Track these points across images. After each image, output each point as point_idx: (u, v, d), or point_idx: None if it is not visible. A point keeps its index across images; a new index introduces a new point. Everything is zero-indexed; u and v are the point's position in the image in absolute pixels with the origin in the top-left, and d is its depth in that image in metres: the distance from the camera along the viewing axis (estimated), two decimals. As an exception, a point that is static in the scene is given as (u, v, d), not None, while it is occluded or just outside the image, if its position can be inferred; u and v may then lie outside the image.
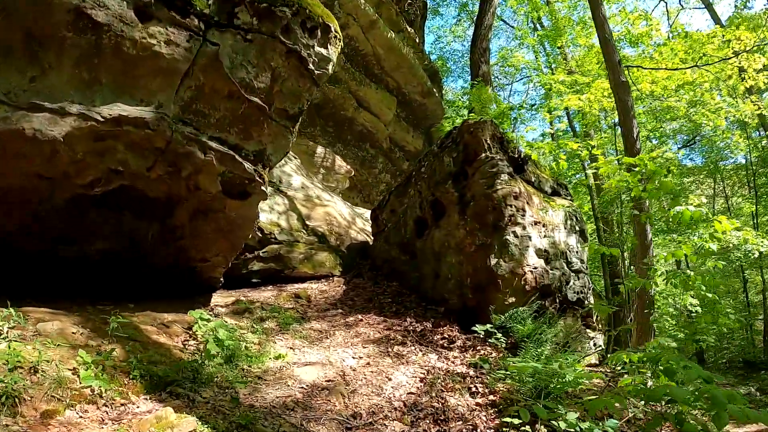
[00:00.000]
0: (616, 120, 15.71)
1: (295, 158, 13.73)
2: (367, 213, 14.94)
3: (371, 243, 11.97)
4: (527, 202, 9.00)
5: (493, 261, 8.53)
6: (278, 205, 11.44)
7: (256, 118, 6.99)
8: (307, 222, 11.50)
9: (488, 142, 9.23)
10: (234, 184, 7.23)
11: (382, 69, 18.05)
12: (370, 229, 12.96)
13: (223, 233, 8.18)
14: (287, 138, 7.64)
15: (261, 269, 10.69)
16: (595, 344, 10.12)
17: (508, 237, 8.62)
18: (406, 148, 19.60)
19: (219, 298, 9.53)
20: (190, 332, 7.20)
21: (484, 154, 9.08)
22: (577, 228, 10.34)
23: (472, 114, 15.52)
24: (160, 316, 7.58)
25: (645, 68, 14.37)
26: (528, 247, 8.86)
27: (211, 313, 8.39)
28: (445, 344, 7.74)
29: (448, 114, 22.03)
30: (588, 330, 10.01)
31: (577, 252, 10.13)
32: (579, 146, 9.71)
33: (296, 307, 9.07)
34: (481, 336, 7.94)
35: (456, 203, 9.16)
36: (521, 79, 27.64)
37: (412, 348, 7.43)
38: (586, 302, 10.20)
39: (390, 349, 7.30)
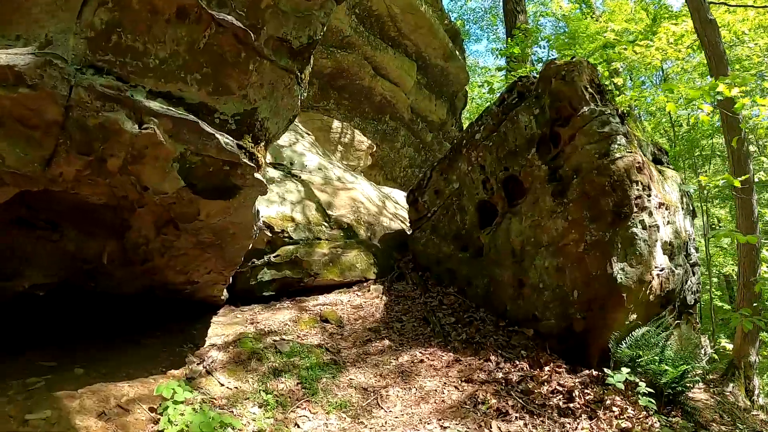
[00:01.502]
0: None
1: (308, 134, 10.34)
2: (396, 192, 11.56)
3: (410, 233, 8.64)
4: (650, 177, 5.63)
5: (617, 266, 5.20)
6: (291, 193, 8.10)
7: (234, 54, 3.62)
8: (329, 212, 8.18)
9: (588, 90, 5.82)
10: (207, 174, 3.91)
11: (398, 31, 14.50)
12: (404, 215, 9.60)
13: (209, 248, 4.91)
14: (293, 91, 4.29)
15: (274, 279, 7.40)
16: (705, 352, 6.81)
17: (635, 229, 5.26)
18: (428, 118, 16.12)
19: (218, 328, 6.30)
20: (159, 420, 3.94)
21: (586, 108, 5.68)
22: (690, 208, 6.99)
23: (511, 73, 12.02)
24: (118, 388, 4.32)
25: (732, 5, 10.83)
26: (656, 241, 5.50)
27: (199, 366, 5.11)
28: (565, 405, 4.44)
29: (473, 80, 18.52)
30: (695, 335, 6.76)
31: (694, 240, 6.80)
32: (705, 90, 6.36)
33: (324, 341, 5.79)
34: (610, 381, 4.65)
35: (545, 180, 5.79)
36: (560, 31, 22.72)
37: (521, 423, 4.13)
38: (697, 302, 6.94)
39: (487, 429, 4.00)
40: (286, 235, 7.53)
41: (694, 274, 6.76)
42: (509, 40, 13.40)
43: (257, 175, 4.20)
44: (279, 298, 7.39)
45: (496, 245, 6.30)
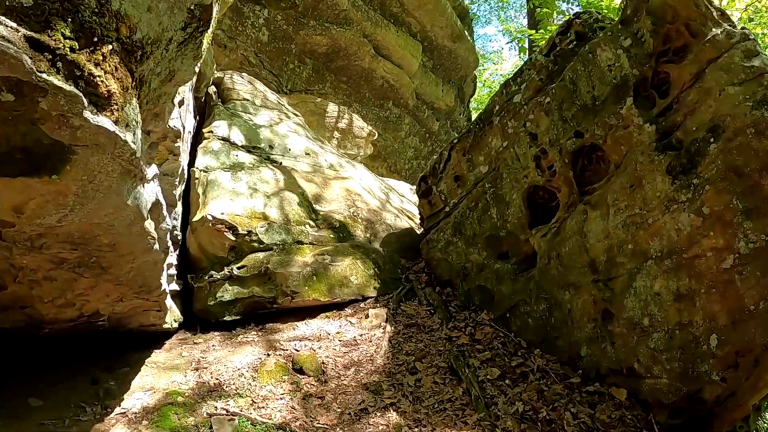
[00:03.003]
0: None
1: (296, 115, 7.81)
2: (401, 185, 9.01)
3: (421, 232, 6.11)
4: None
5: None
6: (265, 182, 5.56)
7: None
8: (317, 206, 5.65)
9: (711, 4, 3.28)
10: None
11: (402, 7, 11.91)
12: (413, 210, 7.07)
13: (82, 268, 2.43)
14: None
15: (237, 299, 4.89)
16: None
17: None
18: (435, 105, 13.55)
19: (149, 377, 4.11)
20: None
21: (716, 30, 3.13)
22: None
23: (539, 33, 9.41)
24: None
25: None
26: None
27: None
28: None
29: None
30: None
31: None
32: None
33: (292, 414, 3.24)
34: None
35: (650, 149, 3.24)
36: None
37: None
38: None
39: None
40: (255, 238, 5.00)
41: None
42: None
43: (100, 120, 1.70)
44: (245, 324, 4.90)
45: (560, 254, 3.75)
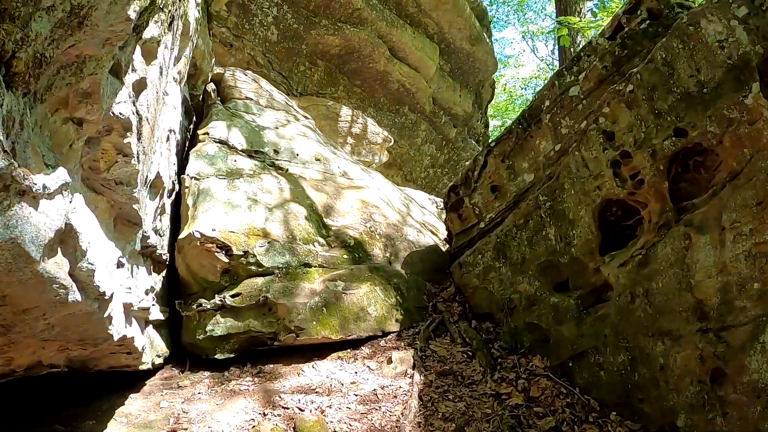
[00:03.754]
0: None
1: (306, 117, 6.87)
2: (418, 194, 8.07)
3: (447, 249, 5.13)
4: None
5: None
6: (267, 192, 4.60)
7: None
8: (328, 220, 4.69)
9: None
10: None
11: (418, 7, 10.95)
12: (436, 223, 6.11)
13: None
14: None
15: (230, 335, 3.94)
16: None
17: None
18: (452, 111, 12.56)
19: None
20: None
21: None
22: None
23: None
24: None
25: None
26: None
27: None
28: None
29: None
30: None
31: None
32: None
33: None
34: None
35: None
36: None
37: None
38: None
39: None
40: (253, 260, 4.04)
41: None
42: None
43: None
44: (241, 363, 3.96)
45: (650, 291, 2.75)
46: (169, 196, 4.40)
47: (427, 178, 12.30)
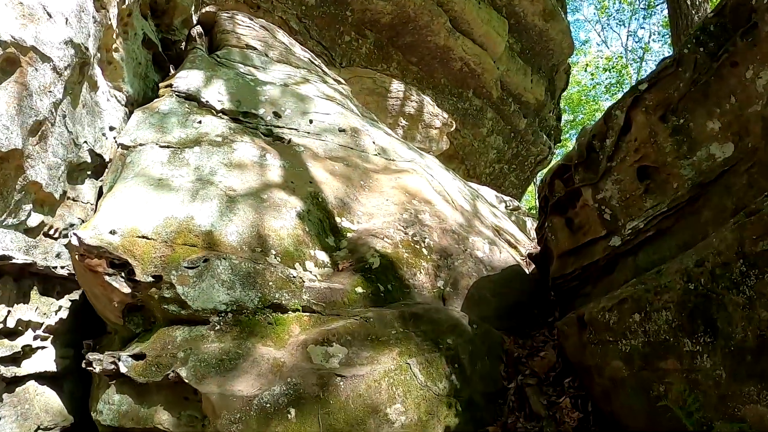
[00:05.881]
0: None
1: (338, 82, 4.77)
2: (485, 190, 5.78)
3: (533, 275, 2.90)
4: None
5: None
6: (233, 169, 2.52)
7: None
8: (341, 220, 2.59)
9: None
10: None
11: (485, -26, 8.68)
12: (516, 233, 3.85)
13: None
14: None
15: (124, 429, 1.87)
16: None
17: None
18: (522, 98, 10.12)
19: None
20: None
21: None
22: None
23: None
24: None
25: None
26: None
27: None
28: None
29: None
30: None
31: None
32: None
33: None
34: None
35: None
36: None
37: None
38: None
39: None
40: (170, 293, 1.96)
41: None
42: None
43: None
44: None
45: None
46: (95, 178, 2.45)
47: (492, 175, 9.94)
